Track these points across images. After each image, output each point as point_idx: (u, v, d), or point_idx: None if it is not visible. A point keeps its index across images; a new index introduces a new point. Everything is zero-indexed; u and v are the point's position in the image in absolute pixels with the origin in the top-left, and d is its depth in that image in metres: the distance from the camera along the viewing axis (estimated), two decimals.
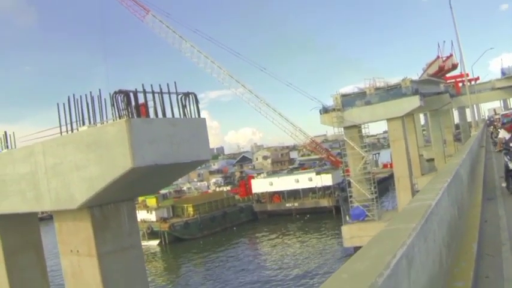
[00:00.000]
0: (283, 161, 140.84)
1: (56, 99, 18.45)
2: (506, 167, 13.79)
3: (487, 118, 74.91)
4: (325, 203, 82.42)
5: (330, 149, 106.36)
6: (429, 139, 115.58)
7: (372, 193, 58.30)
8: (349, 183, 62.01)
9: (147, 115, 15.78)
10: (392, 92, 60.31)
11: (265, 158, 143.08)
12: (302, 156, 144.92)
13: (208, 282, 51.33)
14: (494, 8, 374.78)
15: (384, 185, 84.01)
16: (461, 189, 10.45)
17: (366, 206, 57.53)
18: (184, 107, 17.04)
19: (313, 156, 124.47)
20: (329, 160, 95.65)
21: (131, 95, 15.28)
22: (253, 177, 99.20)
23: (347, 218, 58.51)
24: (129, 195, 18.42)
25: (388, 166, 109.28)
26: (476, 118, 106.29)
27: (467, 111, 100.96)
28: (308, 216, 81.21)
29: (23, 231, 22.89)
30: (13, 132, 21.84)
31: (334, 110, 60.69)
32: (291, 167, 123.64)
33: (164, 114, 16.23)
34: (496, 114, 73.52)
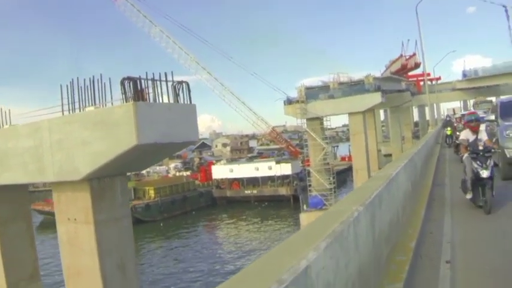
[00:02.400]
0: (242, 149, 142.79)
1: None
2: (476, 175, 11.94)
3: (444, 116, 74.58)
4: (283, 191, 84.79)
5: (289, 140, 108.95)
6: (388, 135, 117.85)
7: (331, 183, 61.44)
8: (309, 172, 64.64)
9: (147, 99, 18.30)
10: (355, 87, 63.38)
11: (224, 145, 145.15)
12: (261, 145, 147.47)
13: (168, 262, 53.51)
14: (462, 11, 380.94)
15: (342, 177, 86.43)
16: (415, 172, 14.05)
17: (324, 196, 60.40)
18: (177, 94, 19.59)
19: (272, 146, 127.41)
20: (288, 150, 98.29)
21: (137, 81, 17.84)
22: (213, 163, 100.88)
23: (304, 206, 61.36)
24: (124, 170, 21.04)
25: (346, 159, 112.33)
26: (436, 117, 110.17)
27: (427, 109, 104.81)
28: (266, 203, 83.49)
29: (15, 203, 24.89)
30: (9, 110, 23.85)
31: (298, 101, 63.34)
32: (249, 155, 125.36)
33: (160, 99, 18.79)
34: (454, 113, 72.38)
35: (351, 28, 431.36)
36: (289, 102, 65.96)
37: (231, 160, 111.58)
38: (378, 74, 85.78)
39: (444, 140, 40.44)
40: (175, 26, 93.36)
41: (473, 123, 12.95)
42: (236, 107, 77.26)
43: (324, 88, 65.24)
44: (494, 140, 15.54)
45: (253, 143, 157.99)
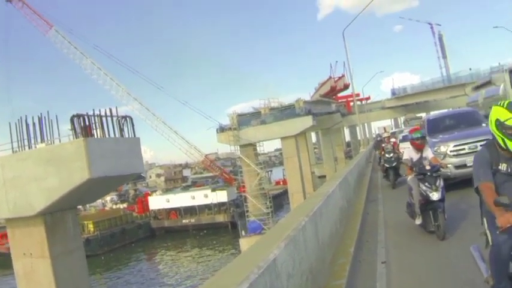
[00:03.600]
0: (176, 178, 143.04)
1: None
2: (425, 197, 11.04)
3: (374, 136, 74.72)
4: (220, 218, 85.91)
5: (222, 167, 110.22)
6: (320, 156, 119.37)
7: (268, 207, 62.94)
8: (246, 198, 66.08)
9: (94, 135, 19.91)
10: (286, 112, 65.26)
11: (158, 175, 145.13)
12: (195, 174, 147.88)
13: None
14: (389, 30, 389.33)
15: (278, 201, 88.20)
16: (349, 189, 15.65)
17: (262, 220, 61.52)
18: (122, 128, 21.26)
19: (205, 174, 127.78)
20: (222, 177, 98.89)
21: (85, 118, 19.45)
22: (149, 194, 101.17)
23: (243, 232, 62.51)
24: (75, 204, 22.50)
25: (281, 183, 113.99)
26: (368, 135, 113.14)
27: (358, 129, 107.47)
28: (205, 231, 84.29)
29: None
30: None
31: (230, 129, 64.64)
32: (184, 184, 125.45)
33: (106, 134, 20.42)
34: (385, 131, 71.30)
35: (278, 53, 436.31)
36: (221, 130, 67.16)
37: (166, 190, 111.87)
38: (307, 97, 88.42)
39: (378, 163, 36.29)
40: (105, 57, 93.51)
41: (418, 141, 12.26)
42: (169, 137, 77.41)
43: (256, 114, 66.89)
44: (442, 157, 15.01)
45: (187, 172, 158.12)
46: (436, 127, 19.23)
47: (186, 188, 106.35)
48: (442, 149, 16.62)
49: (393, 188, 21.99)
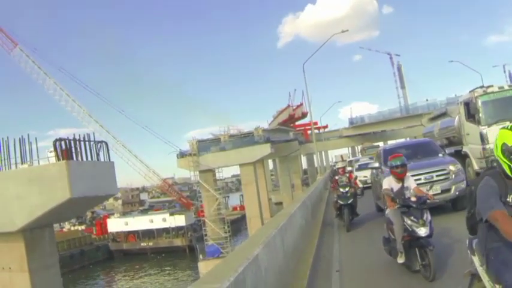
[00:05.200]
0: (133, 202, 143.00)
1: None
2: (411, 233, 10.04)
3: (332, 164, 72.64)
4: (178, 242, 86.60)
5: (180, 192, 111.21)
6: (277, 183, 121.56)
7: (226, 232, 64.37)
8: (204, 222, 67.53)
9: (72, 158, 21.67)
10: (245, 139, 67.39)
11: (115, 198, 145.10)
12: (152, 198, 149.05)
13: None
14: (348, 59, 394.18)
15: (236, 226, 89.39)
16: (307, 212, 17.84)
17: (220, 244, 62.82)
18: (97, 152, 23.10)
19: (163, 198, 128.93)
20: (180, 202, 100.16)
21: (67, 142, 21.25)
22: (108, 217, 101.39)
23: (201, 256, 63.72)
24: (53, 222, 24.19)
25: (238, 208, 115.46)
26: (325, 164, 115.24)
27: (315, 157, 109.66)
28: (163, 255, 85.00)
29: None
30: None
31: (190, 154, 66.13)
32: (141, 208, 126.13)
33: (82, 157, 22.20)
34: (342, 160, 71.17)
35: (237, 80, 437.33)
36: (181, 155, 68.69)
37: (124, 213, 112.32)
38: (265, 124, 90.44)
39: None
40: (68, 79, 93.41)
41: (398, 170, 11.01)
42: (128, 160, 77.22)
43: (215, 141, 68.69)
44: (428, 187, 13.30)
45: (144, 196, 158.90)
46: None
47: (144, 212, 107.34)
48: None
49: (348, 230, 18.07)
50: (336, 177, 20.30)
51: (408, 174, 11.40)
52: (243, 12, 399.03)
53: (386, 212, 11.16)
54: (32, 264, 22.22)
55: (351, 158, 68.82)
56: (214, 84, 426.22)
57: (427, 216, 10.12)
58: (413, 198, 10.30)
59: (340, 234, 17.87)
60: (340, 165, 23.68)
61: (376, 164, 19.67)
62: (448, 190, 16.91)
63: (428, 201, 10.34)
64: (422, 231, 9.89)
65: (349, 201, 18.68)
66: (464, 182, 17.32)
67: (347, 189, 19.01)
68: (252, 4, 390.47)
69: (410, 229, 10.06)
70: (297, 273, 10.86)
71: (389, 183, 11.14)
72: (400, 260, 10.60)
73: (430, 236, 9.99)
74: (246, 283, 5.79)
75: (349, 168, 30.26)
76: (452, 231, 13.08)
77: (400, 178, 11.06)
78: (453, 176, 17.21)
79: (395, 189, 10.91)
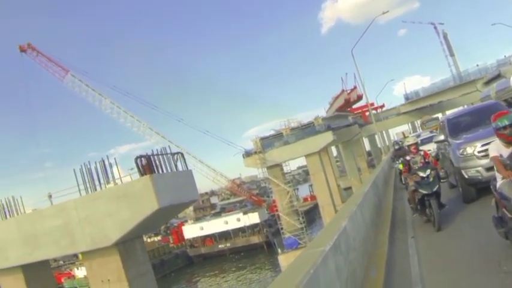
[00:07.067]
0: (205, 207, 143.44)
1: None
2: None
3: (393, 143, 69.60)
4: (255, 239, 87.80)
5: (249, 190, 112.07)
6: (343, 169, 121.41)
7: (301, 223, 65.35)
8: (279, 217, 68.39)
9: (153, 171, 23.08)
10: (306, 130, 68.62)
11: None
12: (222, 200, 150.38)
13: None
14: (393, 35, 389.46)
15: (310, 216, 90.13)
16: (378, 190, 18.60)
17: (297, 235, 63.86)
18: (175, 163, 24.48)
19: (233, 199, 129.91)
20: (251, 200, 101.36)
21: (147, 157, 22.70)
22: (183, 225, 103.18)
23: (279, 250, 65.01)
24: (142, 233, 25.76)
25: (309, 199, 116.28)
26: (387, 143, 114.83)
27: (377, 138, 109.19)
28: (241, 254, 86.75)
29: (42, 278, 29.03)
30: (20, 196, 28.31)
31: (256, 152, 67.48)
32: (213, 212, 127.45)
33: (162, 169, 23.61)
34: (404, 136, 58.54)
35: (286, 73, 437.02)
36: (247, 154, 70.08)
37: (196, 219, 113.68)
38: (322, 112, 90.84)
39: (399, 179, 26.49)
40: (122, 96, 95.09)
41: (507, 131, 8.74)
42: (194, 166, 78.47)
43: (278, 136, 69.88)
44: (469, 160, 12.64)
45: (214, 199, 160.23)
46: (458, 127, 16.77)
47: (216, 215, 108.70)
48: (469, 150, 14.39)
49: (439, 229, 12.66)
50: (408, 158, 14.97)
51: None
52: (283, 7, 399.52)
53: (498, 185, 8.80)
54: (129, 274, 23.75)
55: (412, 134, 68.11)
56: (266, 82, 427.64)
57: None
58: None
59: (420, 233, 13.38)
60: (411, 141, 15.67)
61: (442, 137, 16.95)
62: None
63: None
64: None
65: (435, 189, 13.29)
66: None
67: (428, 172, 13.67)
68: None
69: None
70: (377, 242, 11.83)
71: (497, 148, 8.96)
72: None
73: None
74: (340, 247, 7.19)
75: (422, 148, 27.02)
76: None
77: (510, 141, 8.85)
78: None
79: (505, 155, 8.75)
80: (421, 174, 13.50)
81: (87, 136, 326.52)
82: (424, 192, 13.15)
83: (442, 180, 14.52)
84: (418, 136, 39.48)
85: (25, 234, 25.96)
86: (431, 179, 13.33)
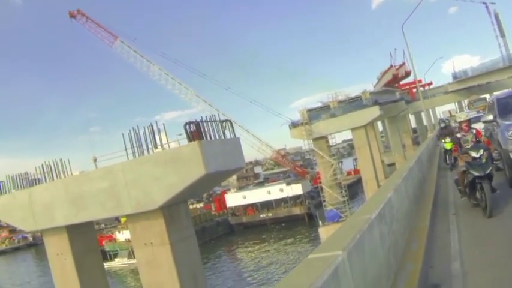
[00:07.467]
0: (248, 176, 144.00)
1: None
2: None
3: (439, 121, 66.71)
4: (297, 211, 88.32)
5: (293, 161, 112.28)
6: (388, 145, 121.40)
7: (343, 196, 65.33)
8: (322, 189, 68.42)
9: (202, 138, 23.10)
10: (354, 104, 68.45)
11: None
12: (266, 170, 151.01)
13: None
14: (443, 12, 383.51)
15: (352, 190, 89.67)
16: (423, 167, 18.67)
17: (338, 209, 64.15)
18: (223, 131, 24.45)
19: (276, 170, 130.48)
20: (295, 171, 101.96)
21: (196, 124, 22.73)
22: (225, 193, 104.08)
23: (320, 222, 65.65)
24: (187, 198, 25.94)
25: (352, 173, 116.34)
26: (433, 121, 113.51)
27: (423, 115, 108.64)
28: (283, 224, 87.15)
29: (86, 239, 29.52)
30: (68, 159, 28.69)
31: (302, 124, 67.51)
32: (256, 181, 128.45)
33: (211, 136, 23.64)
34: (451, 116, 63.56)
35: (335, 46, 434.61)
36: (294, 125, 70.07)
37: (239, 188, 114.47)
38: (370, 86, 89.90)
39: (444, 159, 26.50)
40: (171, 63, 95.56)
41: None
42: (240, 135, 77.86)
43: (325, 108, 69.82)
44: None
45: (257, 169, 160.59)
46: (508, 107, 15.68)
47: (260, 184, 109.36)
48: None
49: (490, 216, 11.44)
50: (458, 136, 13.42)
51: None
52: None
53: None
54: (172, 238, 23.94)
55: (473, 114, 65.61)
56: (316, 55, 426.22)
57: None
58: None
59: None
60: (463, 117, 15.10)
61: (490, 117, 15.94)
62: None
63: None
64: None
65: (488, 171, 11.91)
66: None
67: (481, 152, 12.20)
68: None
69: None
70: (420, 216, 11.86)
71: None
72: None
73: None
74: (385, 217, 7.56)
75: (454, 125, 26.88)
76: None
77: None
78: None
79: None
80: (473, 154, 12.15)
81: (133, 102, 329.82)
82: (476, 174, 11.85)
83: (494, 162, 13.68)
84: (466, 116, 38.61)
85: (72, 195, 26.28)
86: (484, 160, 12.02)
